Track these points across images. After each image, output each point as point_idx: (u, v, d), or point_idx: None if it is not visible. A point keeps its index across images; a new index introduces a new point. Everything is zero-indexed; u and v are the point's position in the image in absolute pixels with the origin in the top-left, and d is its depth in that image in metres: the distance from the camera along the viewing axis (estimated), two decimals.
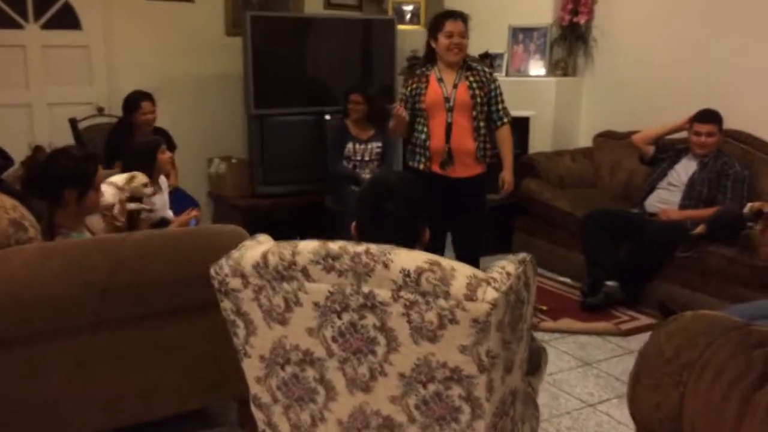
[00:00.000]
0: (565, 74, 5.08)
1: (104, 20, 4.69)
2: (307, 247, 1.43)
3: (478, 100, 3.52)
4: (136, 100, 4.15)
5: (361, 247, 1.39)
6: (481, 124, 3.56)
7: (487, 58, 5.18)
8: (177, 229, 2.28)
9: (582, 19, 4.94)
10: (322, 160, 4.70)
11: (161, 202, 3.28)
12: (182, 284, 2.20)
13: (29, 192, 2.39)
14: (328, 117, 4.87)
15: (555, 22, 5.04)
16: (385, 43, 5.07)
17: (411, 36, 5.28)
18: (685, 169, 3.91)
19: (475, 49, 5.15)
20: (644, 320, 3.64)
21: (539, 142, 5.06)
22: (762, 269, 3.28)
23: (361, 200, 1.67)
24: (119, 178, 2.75)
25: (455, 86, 3.49)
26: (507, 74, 5.18)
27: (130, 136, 4.06)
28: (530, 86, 5.07)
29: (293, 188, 4.91)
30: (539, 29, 5.08)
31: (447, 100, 3.48)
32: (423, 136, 3.53)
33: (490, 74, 3.65)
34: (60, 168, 2.38)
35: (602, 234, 3.86)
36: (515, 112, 5.06)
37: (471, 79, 3.53)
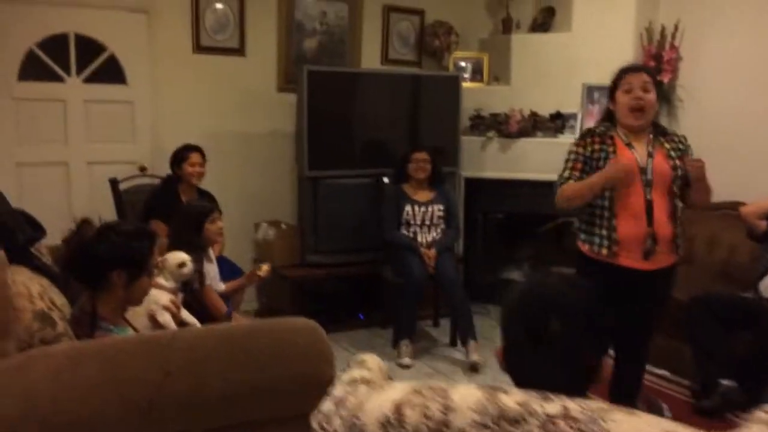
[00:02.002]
0: None
1: (151, 74, 4.38)
2: (467, 400, 0.97)
3: (678, 173, 2.75)
4: (184, 149, 3.87)
5: (553, 406, 0.92)
6: (677, 202, 2.84)
7: (559, 119, 4.76)
8: (237, 325, 1.84)
9: (666, 78, 4.51)
10: (379, 227, 4.26)
11: (212, 273, 2.85)
12: (245, 397, 1.74)
13: (70, 274, 1.98)
14: (386, 179, 4.45)
15: None
16: (449, 101, 4.68)
17: (473, 94, 4.90)
18: None
19: (545, 108, 4.77)
20: None
21: None
22: None
23: (511, 315, 1.21)
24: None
25: (650, 155, 2.70)
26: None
27: (174, 195, 3.78)
28: None
29: (347, 258, 4.46)
30: None
31: (643, 171, 2.67)
32: (607, 214, 2.70)
33: (685, 139, 2.91)
34: (109, 245, 1.96)
35: (713, 322, 3.32)
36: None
37: (667, 146, 2.78)
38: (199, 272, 2.38)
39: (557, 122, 4.76)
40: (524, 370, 1.13)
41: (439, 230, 4.18)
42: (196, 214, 2.84)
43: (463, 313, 4.00)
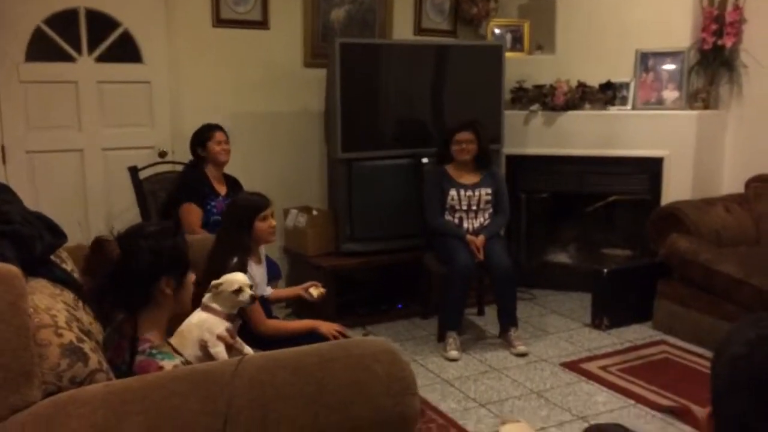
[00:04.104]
0: (706, 106, 4.25)
1: (168, 51, 4.02)
2: None
3: None
4: (207, 129, 3.60)
5: None
6: None
7: (609, 89, 4.38)
8: (306, 351, 1.53)
9: (728, 42, 4.12)
10: (420, 212, 3.93)
11: (260, 277, 2.53)
12: None
13: (113, 304, 1.69)
14: (425, 160, 4.10)
15: (694, 45, 4.23)
16: (490, 73, 4.30)
17: (513, 64, 4.51)
18: None
19: (594, 77, 4.40)
20: None
21: (676, 187, 4.23)
22: None
23: (739, 377, 0.85)
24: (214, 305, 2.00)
25: None
26: (634, 107, 4.36)
27: (203, 178, 3.56)
28: (664, 121, 4.25)
29: (386, 245, 4.14)
30: (674, 54, 4.27)
31: None
32: None
33: None
34: (146, 254, 1.67)
35: None
36: (645, 152, 4.31)
37: None
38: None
39: (607, 93, 4.38)
40: None
41: (486, 215, 3.85)
42: (247, 208, 2.50)
43: (509, 301, 3.71)
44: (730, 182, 4.28)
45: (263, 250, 2.67)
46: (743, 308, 3.37)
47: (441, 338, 3.75)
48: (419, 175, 4.11)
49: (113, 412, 1.28)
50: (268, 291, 2.64)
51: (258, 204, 2.52)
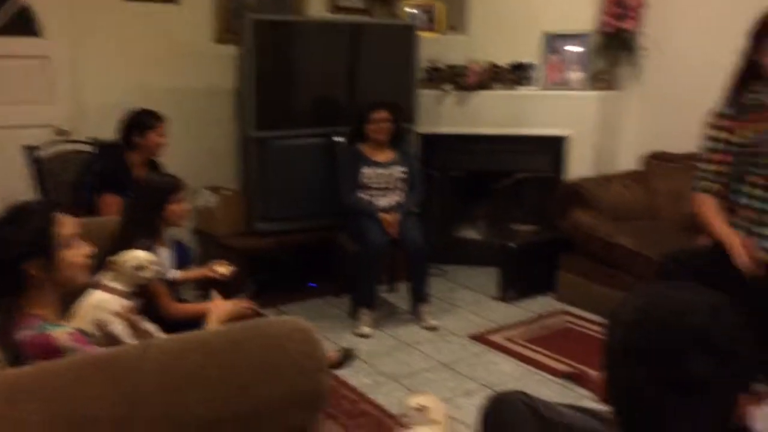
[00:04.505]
0: (607, 87, 4.45)
1: (70, 25, 3.83)
2: None
3: None
4: (151, 117, 3.43)
5: None
6: None
7: (519, 70, 4.51)
8: (216, 332, 1.53)
9: (629, 25, 4.31)
10: (334, 191, 3.95)
11: (166, 260, 2.49)
12: (230, 423, 1.44)
13: None
14: (339, 139, 4.11)
15: (597, 28, 4.40)
16: (403, 52, 4.34)
17: (427, 44, 4.56)
18: None
19: (505, 58, 4.51)
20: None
21: (577, 164, 4.43)
22: None
23: (630, 343, 0.92)
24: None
25: None
26: (542, 88, 4.51)
27: (123, 165, 3.37)
28: (568, 101, 4.43)
29: (299, 224, 4.14)
30: (579, 36, 4.44)
31: None
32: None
33: None
34: (2, 245, 1.63)
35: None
36: (550, 131, 4.48)
37: None
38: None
39: (517, 73, 4.51)
40: (654, 422, 0.87)
41: (400, 193, 3.91)
42: (159, 190, 2.43)
43: (421, 277, 3.81)
44: (626, 159, 4.50)
45: (172, 234, 2.63)
46: (639, 279, 3.57)
47: (354, 315, 3.81)
48: (333, 154, 4.12)
49: (5, 400, 1.25)
50: (175, 274, 2.60)
51: (171, 185, 2.47)
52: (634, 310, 0.92)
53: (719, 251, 2.30)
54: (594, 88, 4.43)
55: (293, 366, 1.50)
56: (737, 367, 0.86)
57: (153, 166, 3.53)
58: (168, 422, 1.37)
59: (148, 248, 2.24)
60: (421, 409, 1.81)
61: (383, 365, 3.27)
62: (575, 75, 4.47)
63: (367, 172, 3.86)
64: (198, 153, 4.32)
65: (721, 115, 2.22)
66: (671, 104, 4.23)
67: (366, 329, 3.66)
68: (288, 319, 1.65)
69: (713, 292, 0.93)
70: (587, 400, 2.79)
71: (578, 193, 4.06)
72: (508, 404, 1.31)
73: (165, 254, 2.48)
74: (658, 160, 4.28)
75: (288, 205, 4.12)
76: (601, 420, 1.11)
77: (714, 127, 2.22)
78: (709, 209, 2.23)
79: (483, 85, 4.48)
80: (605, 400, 0.95)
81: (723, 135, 2.21)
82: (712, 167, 2.20)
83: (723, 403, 0.87)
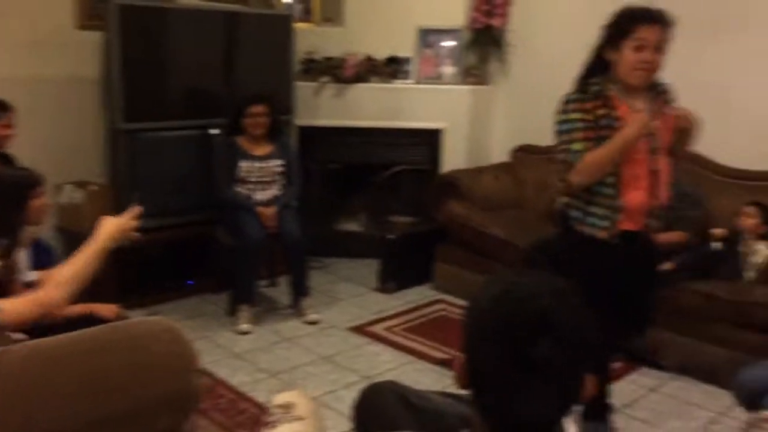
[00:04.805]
0: (478, 82, 4.61)
1: None
2: None
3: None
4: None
5: None
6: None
7: (394, 63, 4.58)
8: (76, 336, 1.43)
9: (497, 22, 4.48)
10: (210, 185, 3.84)
11: (24, 261, 2.31)
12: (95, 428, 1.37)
13: None
14: (215, 132, 4.01)
15: (468, 24, 4.54)
16: (279, 43, 4.28)
17: (303, 35, 4.54)
18: None
19: (381, 51, 4.57)
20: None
21: (453, 157, 4.56)
22: (746, 305, 2.96)
23: (482, 333, 0.96)
24: None
25: (654, 117, 2.29)
26: (417, 82, 4.61)
27: None
28: (442, 95, 4.55)
29: (174, 220, 3.99)
30: (451, 32, 4.56)
31: (650, 137, 2.29)
32: (611, 191, 2.29)
33: (669, 87, 2.44)
34: None
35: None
36: (426, 124, 4.59)
37: (665, 103, 2.39)
38: (10, 264, 1.86)
39: (393, 67, 4.58)
40: (507, 402, 0.91)
41: (278, 186, 3.87)
42: (19, 185, 2.23)
43: (300, 271, 3.81)
44: (498, 152, 4.69)
45: (32, 232, 2.45)
46: (509, 267, 3.74)
47: (233, 312, 3.74)
48: (208, 147, 4.01)
49: None
50: (32, 276, 2.43)
51: (30, 180, 2.29)
52: (489, 298, 0.96)
53: (573, 240, 2.42)
54: (466, 82, 4.58)
55: (161, 367, 1.46)
56: (580, 348, 0.93)
57: (5, 160, 3.28)
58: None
59: (6, 249, 2.08)
60: (287, 407, 1.79)
61: (263, 362, 3.23)
62: (448, 69, 4.59)
63: (245, 166, 3.79)
64: (60, 146, 4.04)
65: (569, 101, 2.34)
66: (535, 99, 4.41)
67: (245, 326, 3.60)
68: (156, 320, 1.59)
69: (560, 278, 0.98)
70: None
71: (453, 185, 4.19)
72: (378, 394, 1.33)
73: (22, 255, 2.31)
74: (524, 152, 4.49)
75: (161, 200, 3.94)
76: (467, 404, 1.15)
77: (564, 111, 2.33)
78: (591, 152, 2.27)
79: (360, 77, 4.51)
80: (463, 384, 0.99)
81: (576, 116, 2.31)
82: (577, 145, 2.29)
83: (568, 383, 0.93)
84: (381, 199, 4.99)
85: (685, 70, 3.77)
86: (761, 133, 3.61)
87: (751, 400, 2.18)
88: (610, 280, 2.29)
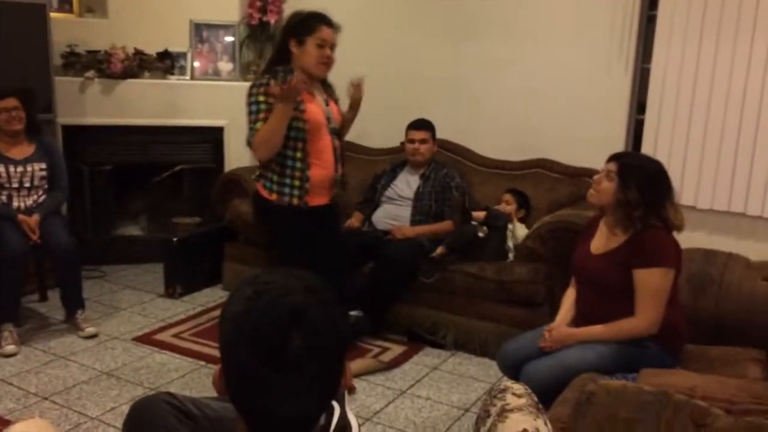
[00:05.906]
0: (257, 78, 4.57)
1: None
2: None
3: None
4: None
5: None
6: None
7: (168, 58, 4.39)
8: None
9: (272, 19, 4.48)
10: None
11: None
12: None
13: None
14: None
15: (243, 20, 4.49)
16: (36, 34, 3.90)
17: (64, 26, 4.18)
18: (407, 184, 3.76)
19: (152, 45, 4.37)
20: (398, 348, 3.40)
21: (237, 155, 4.48)
22: (508, 283, 3.28)
23: (236, 337, 0.95)
24: None
25: (326, 103, 2.89)
26: (192, 77, 4.46)
27: None
28: (221, 91, 4.47)
29: None
30: (226, 27, 4.48)
31: (328, 119, 2.86)
32: (300, 165, 2.77)
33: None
34: None
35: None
36: (206, 121, 4.47)
37: (331, 92, 2.98)
38: None
39: (166, 62, 4.38)
40: (264, 402, 0.91)
41: (41, 192, 3.53)
42: None
43: (72, 282, 3.53)
44: None
45: None
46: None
47: None
48: None
49: None
50: None
51: None
52: (243, 300, 0.95)
53: (271, 209, 2.83)
54: (246, 79, 4.51)
55: None
56: (334, 339, 0.96)
57: None
58: None
59: None
60: None
61: (33, 385, 2.94)
62: (226, 66, 4.51)
63: (2, 170, 3.42)
64: None
65: (256, 85, 2.72)
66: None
67: (10, 347, 3.25)
68: None
69: (312, 275, 1.01)
70: None
71: (237, 183, 4.12)
72: (149, 408, 1.27)
73: None
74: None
75: None
76: None
77: (253, 95, 2.69)
78: (261, 128, 2.65)
79: (130, 73, 4.27)
80: (220, 391, 0.98)
81: (261, 98, 2.67)
82: (259, 125, 2.65)
83: (326, 375, 0.96)
84: (162, 201, 4.77)
85: (445, 71, 4.11)
86: (512, 128, 4.01)
87: (514, 369, 2.44)
88: (306, 238, 2.79)
